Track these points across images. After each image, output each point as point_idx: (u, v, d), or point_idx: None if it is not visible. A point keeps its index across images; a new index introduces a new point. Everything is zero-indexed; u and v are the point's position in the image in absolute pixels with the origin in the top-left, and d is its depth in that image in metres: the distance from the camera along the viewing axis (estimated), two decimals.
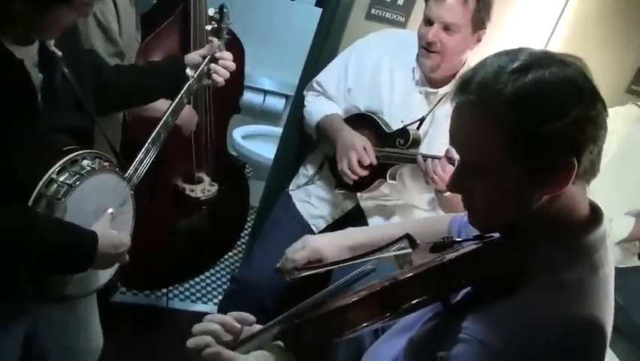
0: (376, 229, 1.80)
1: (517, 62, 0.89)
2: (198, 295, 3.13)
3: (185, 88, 1.75)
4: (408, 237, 1.04)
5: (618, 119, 2.32)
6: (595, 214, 1.00)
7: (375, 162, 2.12)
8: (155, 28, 2.16)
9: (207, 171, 2.49)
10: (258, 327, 1.06)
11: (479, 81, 0.90)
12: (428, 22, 2.07)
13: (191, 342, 0.99)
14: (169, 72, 1.80)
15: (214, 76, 1.81)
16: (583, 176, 0.93)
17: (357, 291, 0.97)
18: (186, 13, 2.18)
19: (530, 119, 0.87)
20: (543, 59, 0.90)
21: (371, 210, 2.32)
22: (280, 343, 1.00)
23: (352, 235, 1.51)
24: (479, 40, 2.08)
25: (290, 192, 2.46)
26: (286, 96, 4.11)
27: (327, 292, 0.99)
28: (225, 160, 2.62)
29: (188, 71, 1.77)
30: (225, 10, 1.95)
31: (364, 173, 2.13)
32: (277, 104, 4.16)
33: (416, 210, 2.31)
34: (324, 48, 2.55)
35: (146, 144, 1.68)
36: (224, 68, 1.81)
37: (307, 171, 2.44)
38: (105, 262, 1.49)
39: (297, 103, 2.63)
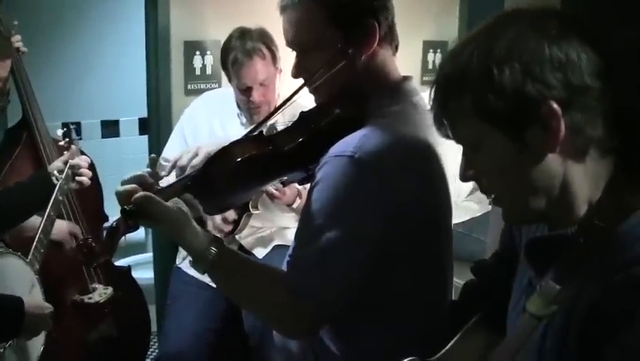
0: None
1: None
2: None
3: (57, 187, 1.99)
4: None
5: None
6: (406, 77, 1.39)
7: (234, 215, 2.38)
8: (8, 160, 2.37)
9: (98, 278, 2.64)
10: None
11: None
12: (245, 90, 2.44)
13: (119, 188, 1.25)
14: (37, 185, 2.03)
15: (81, 178, 2.07)
16: (385, 39, 1.31)
17: None
18: (32, 138, 2.42)
19: None
20: None
21: (253, 246, 2.58)
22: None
23: None
24: (281, 70, 2.52)
25: (179, 266, 2.67)
26: None
27: None
28: (111, 266, 2.79)
29: (56, 172, 2.01)
30: (72, 126, 2.22)
31: (230, 227, 2.39)
32: (137, 234, 4.31)
33: (289, 231, 2.59)
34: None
35: (38, 234, 1.88)
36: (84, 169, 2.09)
37: None
38: (34, 324, 1.62)
39: None
